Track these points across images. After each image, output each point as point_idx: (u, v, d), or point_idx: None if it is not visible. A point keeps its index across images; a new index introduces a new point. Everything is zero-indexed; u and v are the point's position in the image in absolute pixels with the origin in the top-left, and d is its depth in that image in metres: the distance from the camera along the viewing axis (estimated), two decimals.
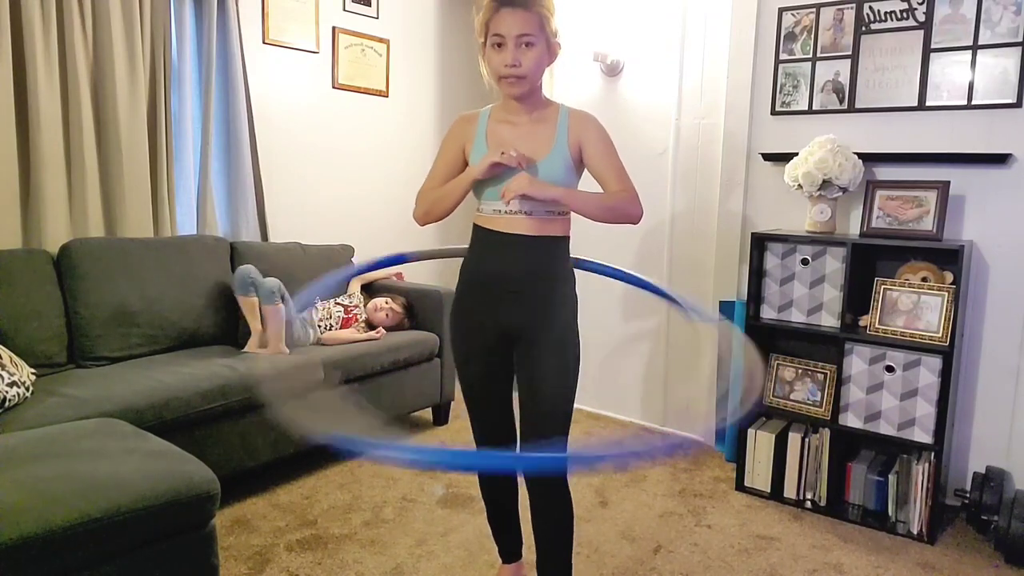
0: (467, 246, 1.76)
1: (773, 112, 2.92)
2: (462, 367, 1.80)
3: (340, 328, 3.08)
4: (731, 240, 3.07)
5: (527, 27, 1.56)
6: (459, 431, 3.29)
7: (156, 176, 2.85)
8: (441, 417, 3.39)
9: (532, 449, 1.70)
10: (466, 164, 1.72)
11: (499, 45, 1.58)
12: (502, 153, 1.58)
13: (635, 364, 3.46)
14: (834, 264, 2.60)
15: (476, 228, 1.72)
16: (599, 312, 3.38)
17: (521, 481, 1.82)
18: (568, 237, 1.72)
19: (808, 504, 2.64)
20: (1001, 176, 2.48)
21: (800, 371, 2.71)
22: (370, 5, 3.68)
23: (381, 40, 3.75)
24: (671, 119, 3.23)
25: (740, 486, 2.76)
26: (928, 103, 2.58)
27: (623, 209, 1.64)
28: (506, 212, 1.64)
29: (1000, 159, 2.45)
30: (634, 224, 1.68)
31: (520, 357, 1.71)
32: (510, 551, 1.98)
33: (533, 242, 1.65)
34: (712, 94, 3.10)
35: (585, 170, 1.71)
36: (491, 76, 1.65)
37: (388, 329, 3.14)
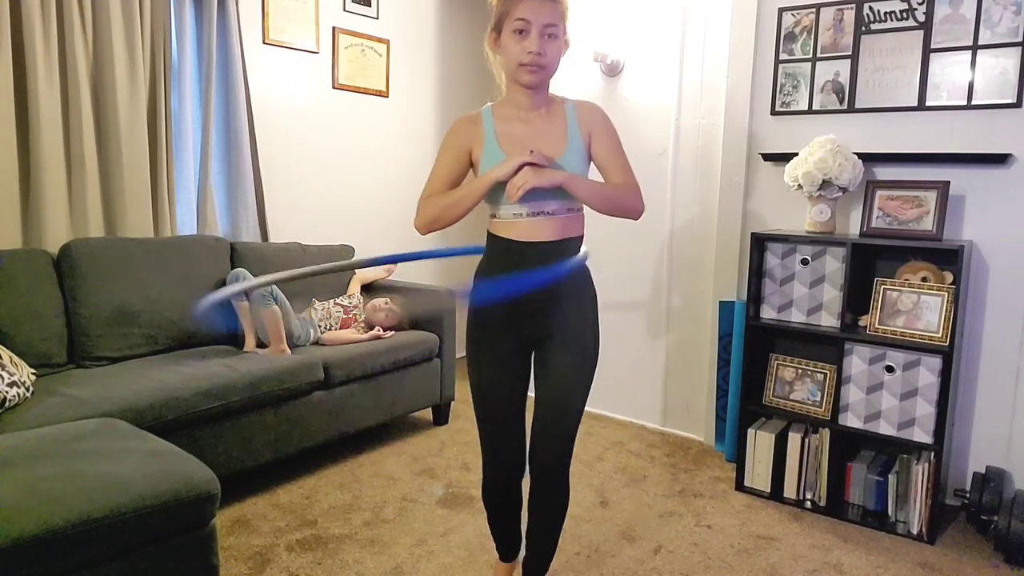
0: None
1: (773, 112, 2.91)
2: (478, 380, 1.74)
3: (339, 328, 3.08)
4: (731, 240, 3.07)
5: (553, 17, 1.53)
6: (459, 431, 3.29)
7: (156, 176, 2.85)
8: (441, 417, 3.39)
9: (540, 452, 1.70)
10: (471, 167, 1.66)
11: (522, 32, 1.52)
12: (531, 152, 1.53)
13: (635, 364, 3.46)
14: (834, 264, 2.60)
15: (493, 238, 1.65)
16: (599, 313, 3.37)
17: (523, 483, 1.82)
18: (584, 236, 1.69)
19: (808, 504, 2.64)
20: (1001, 176, 2.48)
21: (800, 371, 2.71)
22: (370, 5, 3.68)
23: (381, 40, 3.75)
24: (671, 119, 3.23)
25: (740, 486, 2.76)
26: (928, 103, 2.58)
27: (626, 202, 1.63)
28: (527, 215, 1.59)
29: (1000, 159, 2.45)
30: (634, 219, 1.68)
31: (544, 357, 1.70)
32: (509, 551, 1.97)
33: (559, 247, 1.61)
34: (712, 94, 3.10)
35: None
36: (507, 64, 1.58)
37: (387, 329, 3.14)
